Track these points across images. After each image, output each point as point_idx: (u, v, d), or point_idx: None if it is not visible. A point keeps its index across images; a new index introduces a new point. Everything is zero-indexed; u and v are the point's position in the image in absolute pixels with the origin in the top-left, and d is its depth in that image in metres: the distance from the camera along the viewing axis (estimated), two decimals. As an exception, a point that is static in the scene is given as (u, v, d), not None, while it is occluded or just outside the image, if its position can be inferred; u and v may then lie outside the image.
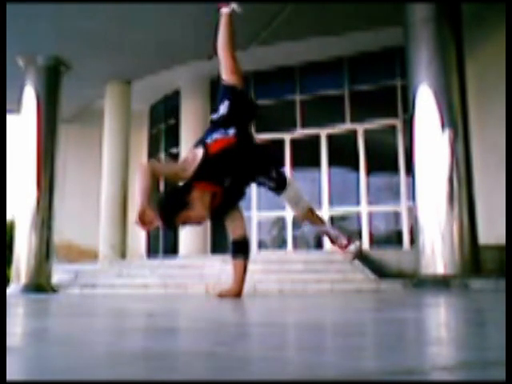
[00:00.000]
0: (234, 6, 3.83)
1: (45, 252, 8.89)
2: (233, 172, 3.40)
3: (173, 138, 11.86)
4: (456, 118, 6.55)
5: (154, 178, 3.15)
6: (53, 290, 8.43)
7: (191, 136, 10.79)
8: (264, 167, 3.55)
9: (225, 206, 3.50)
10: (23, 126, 9.61)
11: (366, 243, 9.59)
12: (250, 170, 3.54)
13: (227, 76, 3.73)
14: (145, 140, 13.18)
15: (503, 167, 6.45)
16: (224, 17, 3.83)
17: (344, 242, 3.56)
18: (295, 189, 3.67)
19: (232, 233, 3.71)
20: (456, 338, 1.25)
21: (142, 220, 3.00)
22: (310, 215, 3.73)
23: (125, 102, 11.48)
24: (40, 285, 8.58)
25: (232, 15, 3.81)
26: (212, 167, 3.27)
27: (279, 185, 3.57)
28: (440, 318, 1.99)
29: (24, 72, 9.54)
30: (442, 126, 6.48)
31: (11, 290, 8.56)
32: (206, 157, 3.28)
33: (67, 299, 4.91)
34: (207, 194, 3.25)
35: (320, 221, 3.75)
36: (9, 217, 10.66)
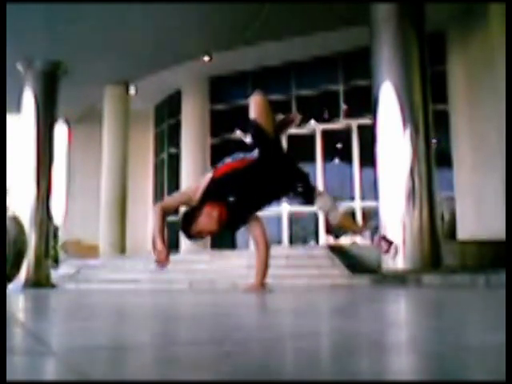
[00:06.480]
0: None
1: (43, 249, 9.38)
2: (237, 191, 3.73)
3: (175, 137, 12.09)
4: (417, 116, 6.66)
5: (167, 214, 3.79)
6: (51, 285, 8.82)
7: (191, 136, 11.31)
8: (288, 185, 3.83)
9: (235, 220, 3.87)
10: (23, 127, 9.98)
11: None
12: (270, 188, 3.83)
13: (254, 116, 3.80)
14: (150, 139, 13.47)
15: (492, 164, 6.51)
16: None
17: (385, 247, 3.76)
18: (325, 199, 3.85)
19: (255, 243, 4.03)
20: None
21: (161, 258, 3.69)
22: (346, 223, 3.94)
23: (123, 104, 11.64)
24: (39, 281, 8.99)
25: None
26: (216, 188, 3.71)
27: (306, 198, 3.84)
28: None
29: (23, 77, 9.85)
30: (404, 123, 6.59)
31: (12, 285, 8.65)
32: (213, 179, 3.76)
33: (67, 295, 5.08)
34: (215, 210, 3.66)
35: (357, 227, 4.04)
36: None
